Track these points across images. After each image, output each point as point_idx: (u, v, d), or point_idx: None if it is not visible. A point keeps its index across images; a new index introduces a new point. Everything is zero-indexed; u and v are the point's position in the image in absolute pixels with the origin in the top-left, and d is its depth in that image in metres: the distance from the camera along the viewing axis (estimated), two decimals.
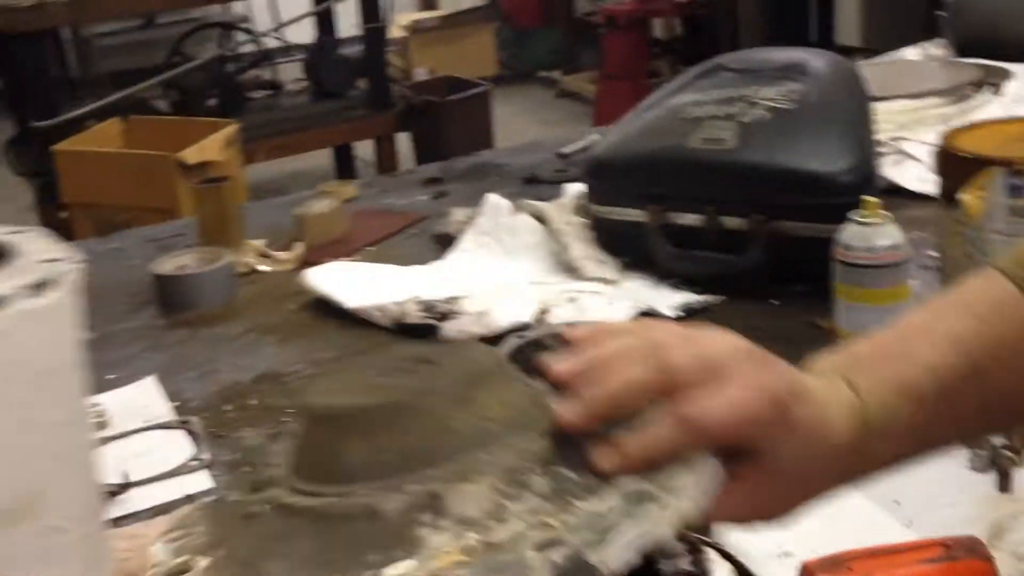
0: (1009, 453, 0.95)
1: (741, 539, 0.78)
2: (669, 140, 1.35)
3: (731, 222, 1.31)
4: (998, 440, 0.97)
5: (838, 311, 1.03)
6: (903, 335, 0.63)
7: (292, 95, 4.42)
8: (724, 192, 1.31)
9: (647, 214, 1.35)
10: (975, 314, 0.63)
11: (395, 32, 5.80)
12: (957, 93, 1.92)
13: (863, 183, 1.26)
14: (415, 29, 6.33)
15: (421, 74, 5.58)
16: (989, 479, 0.93)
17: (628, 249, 1.38)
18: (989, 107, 1.91)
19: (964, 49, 2.22)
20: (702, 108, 1.37)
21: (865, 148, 1.30)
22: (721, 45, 5.00)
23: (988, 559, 0.76)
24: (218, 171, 2.47)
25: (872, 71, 2.13)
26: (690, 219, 1.33)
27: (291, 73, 4.56)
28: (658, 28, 6.04)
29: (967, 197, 1.11)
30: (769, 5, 5.00)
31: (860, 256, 1.01)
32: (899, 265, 1.00)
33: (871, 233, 1.00)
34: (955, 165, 1.13)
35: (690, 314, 1.27)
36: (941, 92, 1.91)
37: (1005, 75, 2.03)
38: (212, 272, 1.38)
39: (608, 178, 1.39)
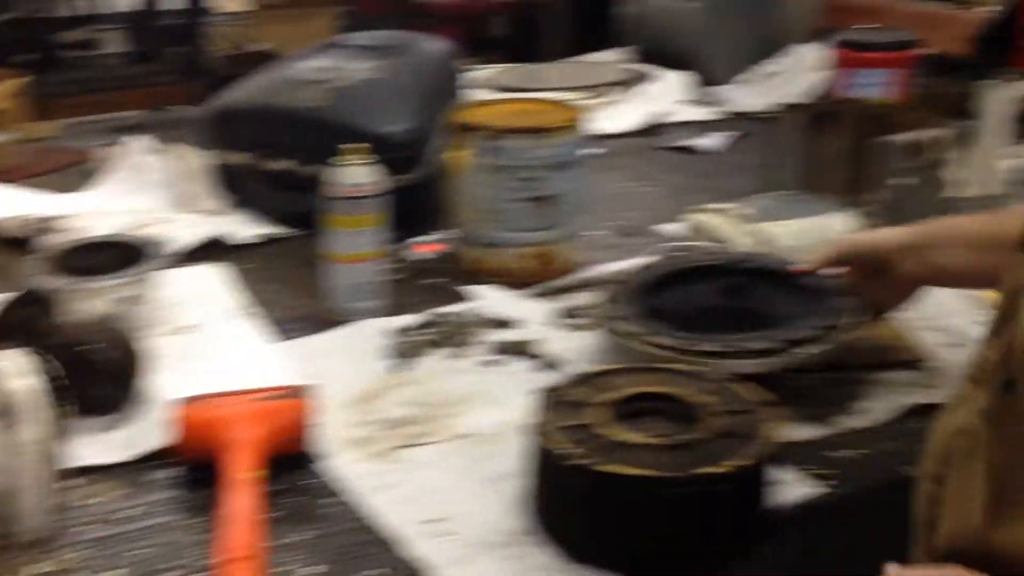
0: (409, 340, 1.23)
1: None
2: (272, 98, 1.61)
3: (314, 169, 1.57)
4: (412, 334, 1.25)
5: (327, 237, 1.30)
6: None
7: (107, 57, 4.55)
8: (311, 144, 1.56)
9: (250, 159, 1.60)
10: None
11: (241, 7, 5.95)
12: (598, 89, 2.23)
13: (414, 143, 1.54)
14: (263, 5, 6.49)
15: (262, 48, 5.74)
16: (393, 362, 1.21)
17: (237, 188, 1.63)
18: (623, 102, 2.23)
19: (646, 55, 2.54)
20: (309, 74, 1.63)
21: (423, 116, 1.56)
22: (549, 44, 5.30)
23: (305, 399, 1.03)
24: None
25: (554, 69, 2.44)
26: (283, 164, 1.58)
27: (116, 42, 4.70)
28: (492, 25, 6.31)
29: (455, 155, 1.39)
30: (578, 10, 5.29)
31: (339, 191, 1.27)
32: (367, 198, 1.27)
33: (347, 173, 1.27)
34: (458, 132, 1.40)
35: (268, 243, 1.54)
36: (584, 88, 2.22)
37: (650, 77, 2.35)
38: None
39: (222, 127, 1.63)
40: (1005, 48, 3.34)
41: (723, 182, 1.80)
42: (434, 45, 1.73)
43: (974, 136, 1.58)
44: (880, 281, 1.17)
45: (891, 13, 3.62)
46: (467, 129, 1.38)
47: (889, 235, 1.15)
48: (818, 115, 1.62)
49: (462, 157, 1.39)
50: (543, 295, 1.39)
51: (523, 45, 5.78)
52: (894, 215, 1.47)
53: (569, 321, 1.31)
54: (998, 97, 1.55)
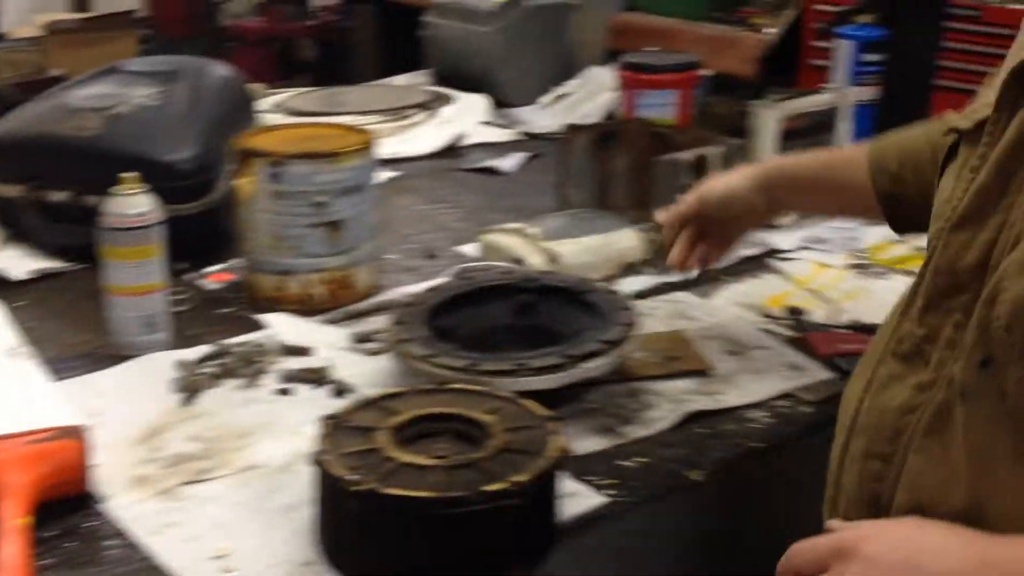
0: (196, 373, 1.20)
1: None
2: (46, 126, 1.54)
3: (92, 200, 1.50)
4: (199, 366, 1.22)
5: (106, 269, 1.25)
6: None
7: None
8: (88, 173, 1.50)
9: (24, 190, 1.52)
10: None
11: (34, 32, 5.69)
12: (397, 112, 2.23)
13: (200, 170, 1.50)
14: (54, 30, 6.22)
15: (54, 74, 5.49)
16: (180, 396, 1.17)
17: (11, 222, 1.55)
18: (422, 124, 2.24)
19: (445, 78, 2.56)
20: (87, 101, 1.57)
21: (209, 142, 1.53)
22: (358, 67, 5.28)
23: (80, 439, 0.99)
24: None
25: (354, 92, 2.42)
26: (59, 196, 1.51)
27: None
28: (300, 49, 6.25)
29: (240, 182, 1.36)
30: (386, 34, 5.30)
31: (115, 221, 1.22)
32: (145, 228, 1.23)
33: (125, 203, 1.22)
34: (241, 158, 1.37)
35: (45, 278, 1.47)
36: (383, 111, 2.22)
37: (447, 100, 2.37)
38: None
39: None
40: (788, 68, 3.54)
41: (519, 202, 1.82)
42: (221, 70, 1.70)
43: (750, 152, 1.66)
44: (714, 231, 1.30)
45: (680, 35, 3.77)
46: (251, 155, 1.36)
47: (738, 184, 1.26)
48: (603, 135, 1.66)
49: (248, 183, 1.36)
50: (338, 321, 1.37)
51: (332, 68, 5.76)
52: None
53: (364, 346, 1.30)
54: (768, 116, 1.64)
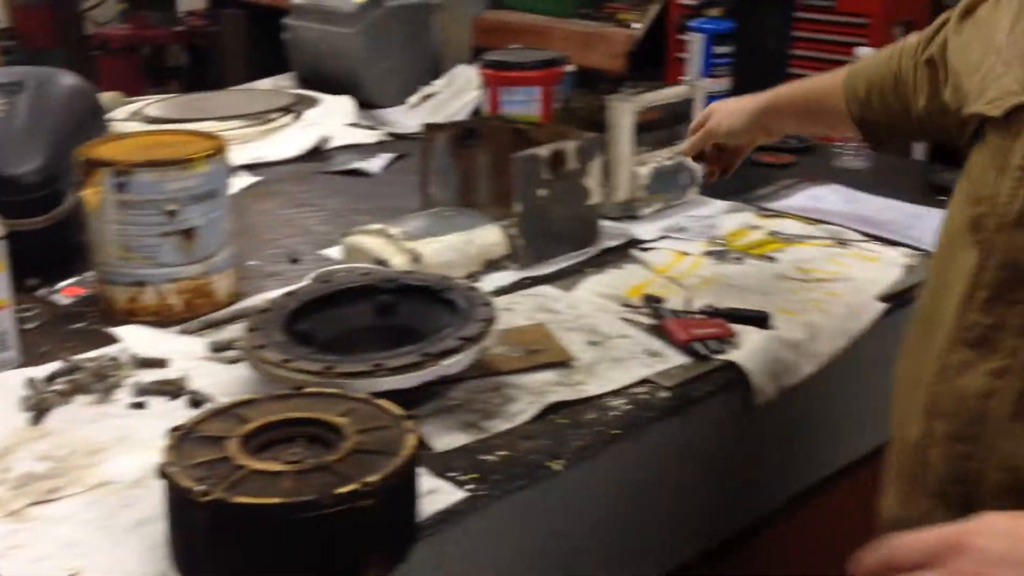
0: (46, 390, 1.16)
1: None
2: None
3: None
4: (49, 383, 1.18)
5: None
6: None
7: None
8: None
9: None
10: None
11: None
12: (261, 117, 2.20)
13: (46, 183, 1.46)
14: None
15: None
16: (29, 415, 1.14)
17: None
18: (288, 127, 2.21)
19: (311, 81, 2.54)
20: None
21: (55, 154, 1.48)
22: (228, 72, 5.17)
23: None
24: None
25: (217, 98, 2.38)
26: None
27: None
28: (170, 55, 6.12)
29: (86, 193, 1.33)
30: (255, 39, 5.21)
31: None
32: None
33: None
34: (85, 168, 1.34)
35: None
36: (246, 116, 2.18)
37: (313, 103, 2.35)
38: None
39: None
40: (655, 62, 3.60)
41: (384, 203, 1.82)
42: (68, 80, 1.64)
43: (608, 145, 1.68)
44: (726, 151, 1.53)
45: (548, 32, 3.81)
46: (95, 165, 1.32)
47: (736, 120, 1.46)
48: (463, 133, 1.67)
49: (94, 194, 1.32)
50: (195, 331, 1.35)
51: (202, 74, 5.65)
52: (540, 223, 1.54)
53: (222, 355, 1.27)
54: (624, 110, 1.66)
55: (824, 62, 3.18)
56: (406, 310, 1.27)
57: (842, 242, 1.61)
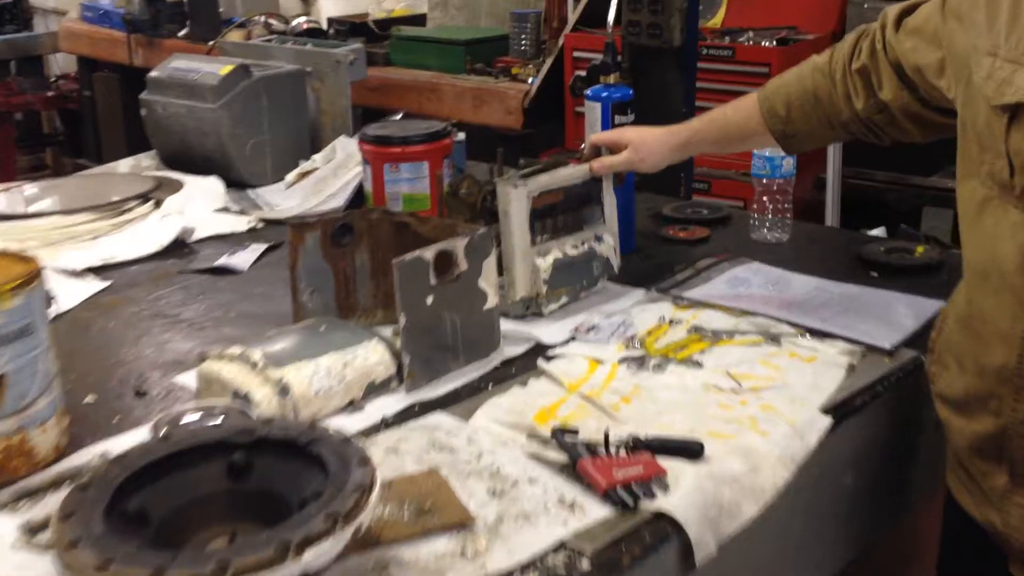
0: None
1: None
2: None
3: None
4: None
5: None
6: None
7: None
8: None
9: None
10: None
11: None
12: (115, 207, 1.95)
13: None
14: None
15: None
16: None
17: None
18: (145, 218, 1.96)
19: (172, 161, 2.29)
20: None
21: None
22: (105, 139, 4.87)
23: None
24: None
25: (60, 187, 2.11)
26: None
27: None
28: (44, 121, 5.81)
29: None
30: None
31: None
32: None
33: None
34: None
35: None
36: (97, 207, 1.93)
37: (176, 186, 2.10)
38: None
39: None
40: (553, 115, 3.43)
41: (252, 307, 1.59)
42: None
43: (504, 235, 1.48)
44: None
45: (440, 90, 3.62)
46: None
47: (659, 158, 1.56)
48: (337, 229, 1.45)
49: None
50: (7, 503, 1.09)
51: (78, 140, 5.33)
52: (429, 336, 1.33)
53: (36, 539, 1.02)
54: (516, 196, 1.46)
55: None
56: (263, 471, 1.03)
57: (773, 338, 1.42)
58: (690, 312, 1.52)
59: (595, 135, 1.62)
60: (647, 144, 1.56)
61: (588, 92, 1.73)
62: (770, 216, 1.82)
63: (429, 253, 1.32)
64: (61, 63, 5.56)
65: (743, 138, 1.54)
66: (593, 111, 1.72)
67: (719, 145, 1.60)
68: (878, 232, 2.98)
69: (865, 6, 3.03)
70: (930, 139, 1.38)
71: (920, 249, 1.72)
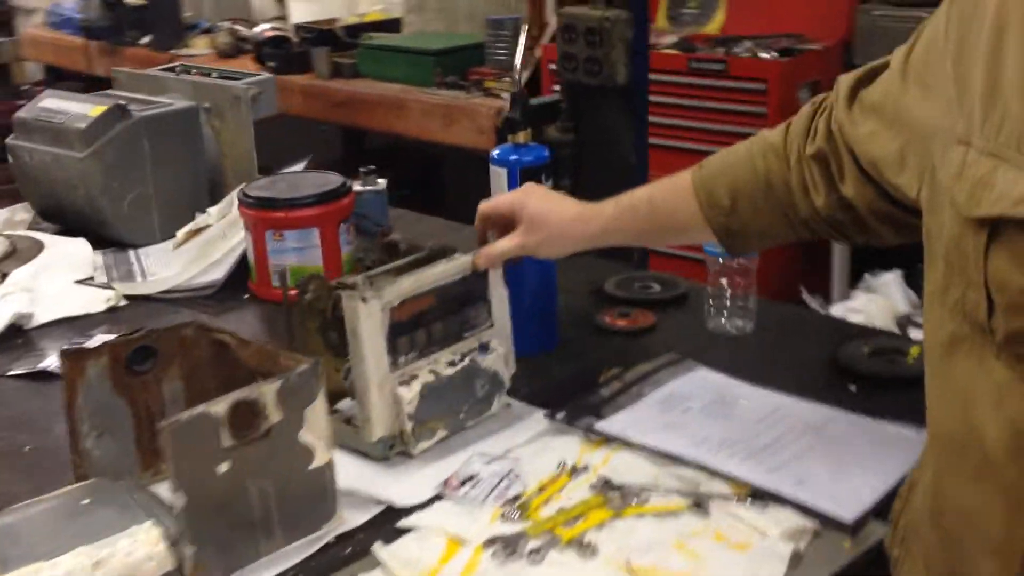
0: None
1: None
2: None
3: None
4: None
5: None
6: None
7: None
8: None
9: None
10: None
11: None
12: None
13: None
14: None
15: None
16: None
17: None
18: None
19: (46, 214, 1.98)
20: None
21: None
22: None
23: None
24: None
25: None
26: None
27: None
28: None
29: None
30: None
31: None
32: None
33: None
34: None
35: None
36: None
37: (36, 249, 1.80)
38: None
39: None
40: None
41: (51, 444, 1.25)
42: None
43: (352, 363, 1.14)
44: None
45: (404, 106, 3.29)
46: None
47: (562, 250, 1.23)
48: (134, 353, 1.11)
49: None
50: None
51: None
52: (223, 515, 0.98)
53: None
54: (365, 312, 1.11)
55: (717, 134, 2.68)
56: None
57: (700, 503, 1.06)
58: (601, 453, 1.16)
59: (484, 203, 1.26)
60: (549, 226, 1.21)
61: (493, 154, 1.38)
62: (728, 302, 1.45)
63: (220, 407, 0.97)
64: (33, 71, 5.28)
65: (676, 232, 1.22)
66: (499, 178, 1.36)
67: (644, 239, 1.32)
68: (892, 276, 2.60)
69: (875, 13, 2.65)
70: (909, 241, 1.02)
71: (915, 351, 1.35)
